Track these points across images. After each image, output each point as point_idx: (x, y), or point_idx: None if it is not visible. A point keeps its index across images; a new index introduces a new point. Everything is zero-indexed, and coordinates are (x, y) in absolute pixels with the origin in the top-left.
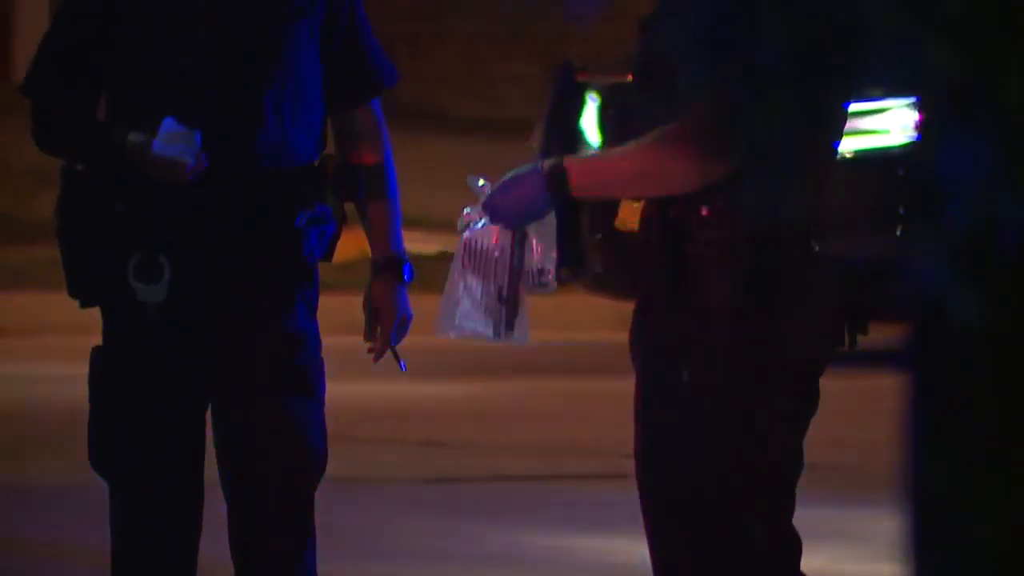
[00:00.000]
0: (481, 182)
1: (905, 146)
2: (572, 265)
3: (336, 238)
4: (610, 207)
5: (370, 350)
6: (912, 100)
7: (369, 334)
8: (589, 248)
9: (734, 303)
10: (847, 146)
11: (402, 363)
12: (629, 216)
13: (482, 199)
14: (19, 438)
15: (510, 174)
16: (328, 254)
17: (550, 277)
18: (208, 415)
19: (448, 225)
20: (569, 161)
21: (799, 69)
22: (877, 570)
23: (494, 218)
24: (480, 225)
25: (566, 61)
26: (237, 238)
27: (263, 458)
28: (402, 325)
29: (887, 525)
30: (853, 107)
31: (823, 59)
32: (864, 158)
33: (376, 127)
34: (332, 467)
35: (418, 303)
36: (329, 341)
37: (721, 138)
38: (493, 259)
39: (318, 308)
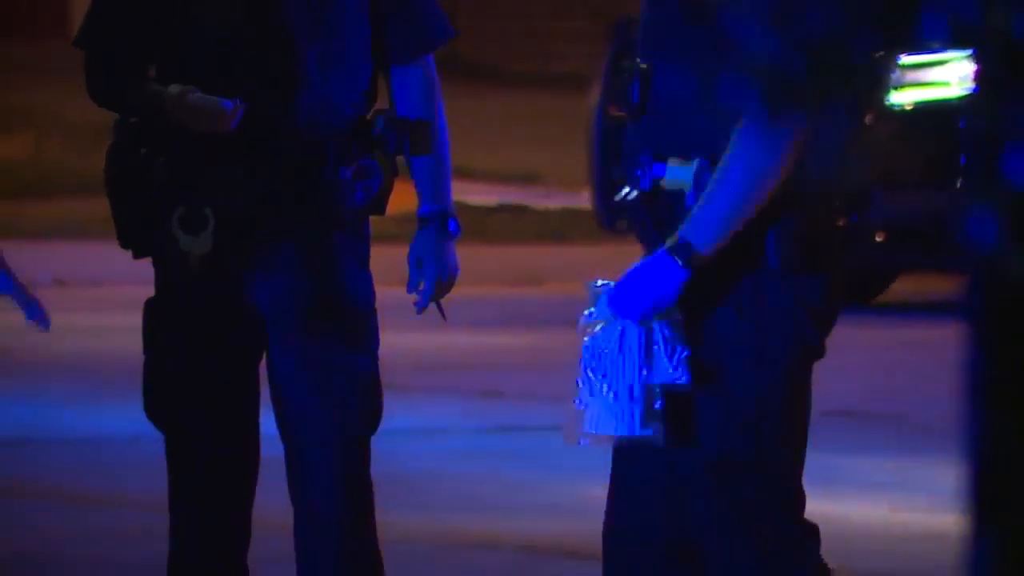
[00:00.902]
0: (599, 282)
1: (964, 98)
2: (623, 218)
3: (385, 191)
4: (663, 163)
5: (414, 303)
6: (971, 52)
7: (412, 286)
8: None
9: (795, 265)
10: (906, 98)
11: (445, 316)
12: (681, 177)
13: (602, 298)
14: (82, 389)
15: (631, 267)
16: (378, 207)
17: (680, 371)
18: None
19: (504, 177)
20: (683, 231)
21: (856, 32)
22: (937, 520)
23: (623, 313)
24: (600, 328)
25: (624, 16)
26: (280, 192)
27: (313, 412)
28: (446, 278)
29: (948, 475)
30: (914, 59)
31: (880, 20)
32: (923, 110)
33: (428, 83)
34: (391, 418)
35: (475, 255)
36: (389, 292)
37: (798, 108)
38: (620, 359)
39: (377, 260)
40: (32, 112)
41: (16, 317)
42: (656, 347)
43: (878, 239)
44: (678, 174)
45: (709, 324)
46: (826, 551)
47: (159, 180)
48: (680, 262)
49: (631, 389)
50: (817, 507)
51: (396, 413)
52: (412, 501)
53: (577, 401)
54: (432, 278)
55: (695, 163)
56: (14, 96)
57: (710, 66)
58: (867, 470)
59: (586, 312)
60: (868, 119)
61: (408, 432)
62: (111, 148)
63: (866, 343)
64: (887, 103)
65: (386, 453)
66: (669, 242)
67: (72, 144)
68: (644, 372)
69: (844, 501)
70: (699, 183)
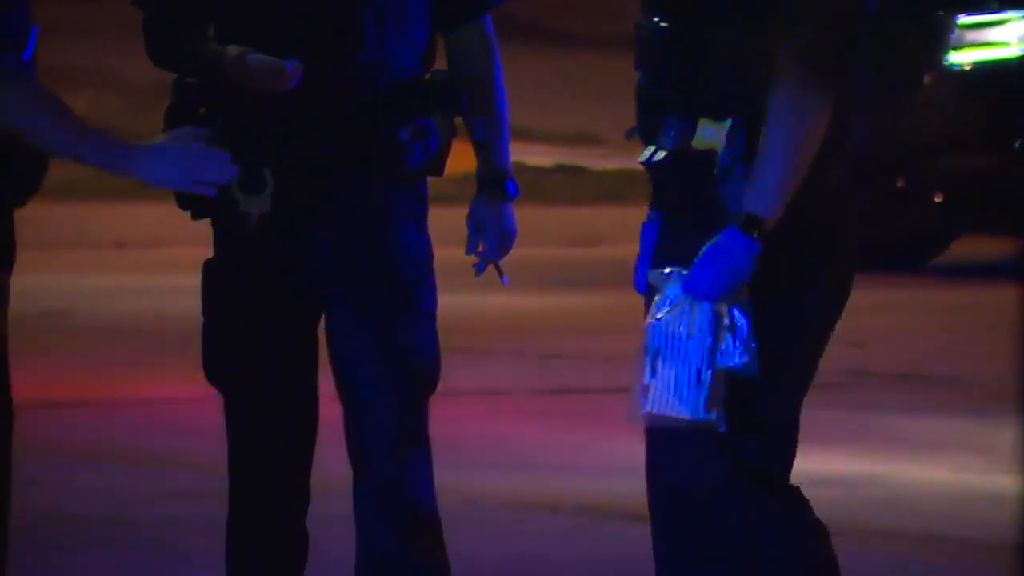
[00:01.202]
0: (667, 270)
1: (1023, 59)
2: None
3: (442, 152)
4: (692, 123)
5: (473, 264)
6: None
7: (471, 248)
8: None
9: (812, 227)
10: (965, 58)
11: (504, 278)
12: (711, 136)
13: (673, 283)
14: (142, 350)
15: (704, 250)
16: (436, 168)
17: (749, 357)
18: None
19: (562, 138)
20: (748, 203)
21: None
22: (996, 481)
23: (702, 294)
24: (665, 311)
25: None
26: (338, 152)
27: (371, 373)
28: (504, 240)
29: (1007, 436)
30: (972, 19)
31: None
32: (982, 71)
33: (485, 44)
34: (450, 379)
35: (533, 216)
36: (448, 253)
37: (844, 66)
38: (687, 343)
39: (435, 221)
40: (90, 73)
41: (74, 279)
42: (725, 332)
43: (936, 200)
44: (709, 134)
45: (772, 286)
46: (886, 511)
47: (218, 141)
48: (753, 235)
49: (698, 373)
50: (876, 468)
51: (455, 374)
52: (471, 462)
53: (640, 382)
54: (491, 240)
55: (727, 123)
56: (72, 56)
57: (746, 23)
58: (926, 432)
59: (656, 300)
60: (927, 79)
61: (467, 393)
62: (169, 108)
63: (924, 305)
64: (946, 63)
65: (445, 415)
66: (736, 218)
67: (130, 104)
68: (712, 357)
69: (903, 462)
70: (731, 143)
